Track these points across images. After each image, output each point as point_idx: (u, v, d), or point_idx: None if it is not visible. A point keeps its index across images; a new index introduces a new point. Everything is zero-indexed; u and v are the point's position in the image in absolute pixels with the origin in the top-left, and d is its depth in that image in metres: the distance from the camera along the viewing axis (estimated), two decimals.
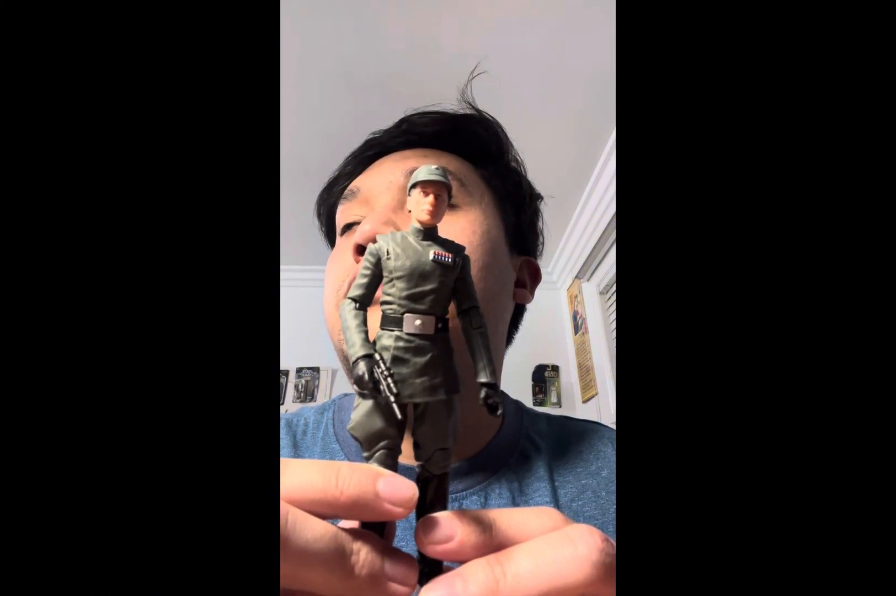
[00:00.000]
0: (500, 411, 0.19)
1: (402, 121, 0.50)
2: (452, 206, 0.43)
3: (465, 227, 0.42)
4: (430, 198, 0.19)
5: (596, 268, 2.06)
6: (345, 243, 0.44)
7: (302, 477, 0.17)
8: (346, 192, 0.46)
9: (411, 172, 0.41)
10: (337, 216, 0.48)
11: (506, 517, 0.18)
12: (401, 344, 0.18)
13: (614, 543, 0.17)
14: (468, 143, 0.49)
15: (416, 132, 0.48)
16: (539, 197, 0.54)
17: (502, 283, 0.44)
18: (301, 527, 0.15)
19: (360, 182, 0.46)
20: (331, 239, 0.54)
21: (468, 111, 0.50)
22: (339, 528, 0.17)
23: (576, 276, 2.19)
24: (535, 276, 0.52)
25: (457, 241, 0.38)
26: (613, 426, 0.54)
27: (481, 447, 0.42)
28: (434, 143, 0.48)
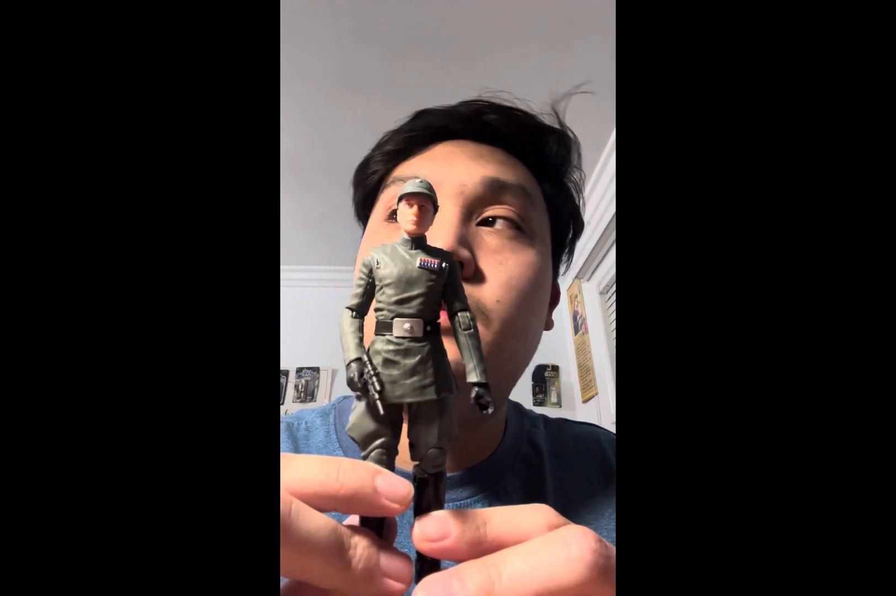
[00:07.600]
0: (490, 410, 0.19)
1: (468, 104, 0.45)
2: (522, 232, 0.40)
3: (533, 262, 0.39)
4: (415, 209, 0.19)
5: (596, 268, 2.06)
6: (390, 229, 0.40)
7: (304, 470, 0.17)
8: (404, 175, 0.41)
9: (489, 183, 0.39)
10: (384, 197, 0.42)
11: (499, 515, 0.18)
12: (391, 347, 0.19)
13: (608, 545, 0.18)
14: (542, 156, 0.45)
15: (488, 124, 0.43)
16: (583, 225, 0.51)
17: (542, 318, 0.42)
18: (303, 518, 0.16)
19: (425, 169, 0.41)
20: (365, 212, 0.49)
21: (552, 123, 0.46)
22: (338, 523, 0.17)
23: (576, 276, 2.18)
24: (555, 301, 0.49)
25: (522, 277, 0.39)
26: (613, 426, 0.54)
27: (487, 456, 0.42)
28: (506, 144, 0.43)
